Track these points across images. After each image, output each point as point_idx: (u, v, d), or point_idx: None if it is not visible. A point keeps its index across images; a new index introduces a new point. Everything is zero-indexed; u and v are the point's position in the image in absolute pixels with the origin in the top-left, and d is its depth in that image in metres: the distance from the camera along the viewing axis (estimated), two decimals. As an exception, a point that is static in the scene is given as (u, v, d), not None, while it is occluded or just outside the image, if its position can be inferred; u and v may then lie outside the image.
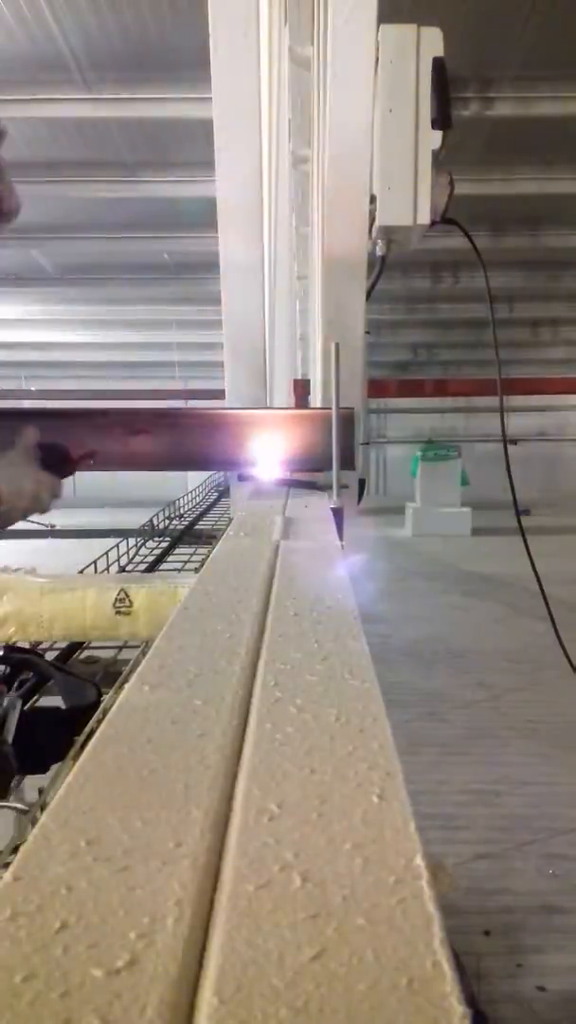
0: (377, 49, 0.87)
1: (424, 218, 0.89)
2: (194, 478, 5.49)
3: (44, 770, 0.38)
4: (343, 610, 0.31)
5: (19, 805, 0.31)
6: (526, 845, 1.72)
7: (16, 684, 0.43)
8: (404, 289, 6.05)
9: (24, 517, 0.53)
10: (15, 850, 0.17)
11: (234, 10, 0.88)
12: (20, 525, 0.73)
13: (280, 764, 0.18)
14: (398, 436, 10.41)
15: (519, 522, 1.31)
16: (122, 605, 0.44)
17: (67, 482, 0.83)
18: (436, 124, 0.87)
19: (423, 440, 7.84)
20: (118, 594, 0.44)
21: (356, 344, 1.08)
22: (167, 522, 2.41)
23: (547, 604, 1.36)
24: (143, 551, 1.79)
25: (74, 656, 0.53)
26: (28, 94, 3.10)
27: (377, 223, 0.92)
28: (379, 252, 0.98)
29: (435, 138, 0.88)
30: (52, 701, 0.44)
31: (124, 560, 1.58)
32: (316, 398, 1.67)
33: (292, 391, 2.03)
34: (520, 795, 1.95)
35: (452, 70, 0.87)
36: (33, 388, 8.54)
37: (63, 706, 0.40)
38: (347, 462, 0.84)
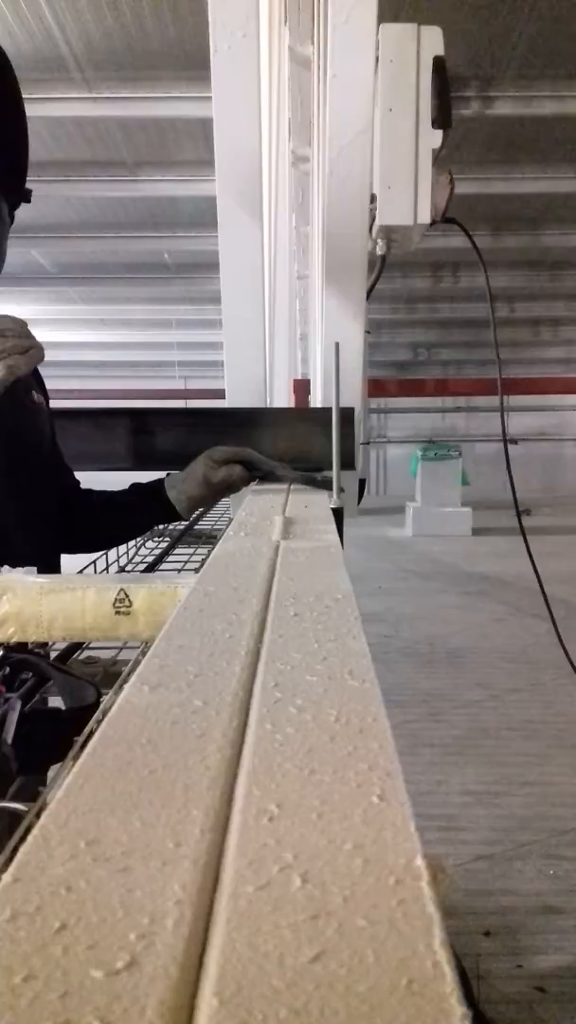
0: (377, 48, 0.87)
1: (424, 217, 0.89)
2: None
3: (43, 771, 0.38)
4: (343, 610, 0.31)
5: (18, 806, 0.31)
6: (526, 846, 1.72)
7: (15, 685, 0.43)
8: (404, 288, 6.06)
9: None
10: (14, 851, 0.17)
11: (234, 10, 0.88)
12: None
13: (280, 764, 0.18)
14: (398, 436, 10.42)
15: (520, 522, 1.31)
16: (122, 605, 0.43)
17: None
18: (436, 123, 0.87)
19: (423, 440, 7.84)
20: (118, 594, 0.44)
21: (356, 343, 1.08)
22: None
23: (548, 604, 1.36)
24: (143, 551, 1.80)
25: (73, 656, 0.53)
26: (27, 93, 3.07)
27: (377, 222, 0.92)
28: (379, 251, 0.98)
29: (435, 137, 0.88)
30: (52, 702, 0.44)
31: (124, 560, 1.58)
32: (316, 397, 1.67)
33: (292, 391, 2.03)
34: (520, 795, 1.95)
35: (452, 69, 0.87)
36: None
37: (63, 707, 0.40)
38: (347, 462, 0.84)
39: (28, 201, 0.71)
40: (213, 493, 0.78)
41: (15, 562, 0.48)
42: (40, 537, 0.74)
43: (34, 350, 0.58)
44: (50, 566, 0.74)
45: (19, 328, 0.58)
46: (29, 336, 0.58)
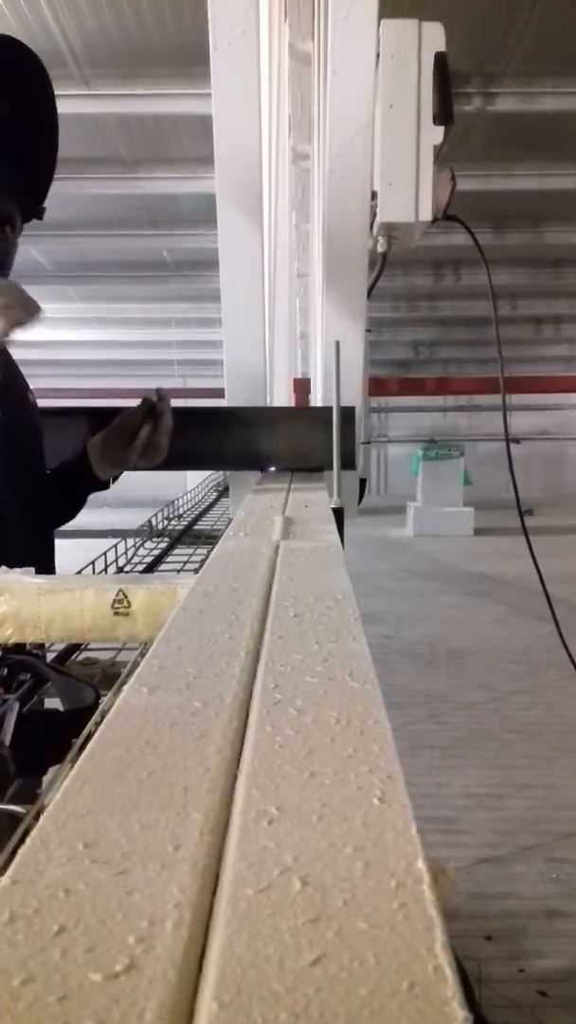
0: (378, 44, 0.87)
1: (426, 214, 0.89)
2: (193, 477, 5.49)
3: (42, 773, 0.38)
4: (343, 611, 0.31)
5: (17, 808, 0.31)
6: (528, 849, 1.72)
7: (14, 686, 0.43)
8: (405, 286, 6.04)
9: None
10: (13, 853, 0.17)
11: (234, 6, 0.87)
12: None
13: (280, 767, 0.18)
14: (399, 435, 10.40)
15: (522, 522, 1.30)
16: (120, 606, 0.43)
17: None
18: (438, 120, 0.87)
19: (425, 439, 7.83)
20: (116, 595, 0.44)
21: (357, 342, 1.08)
22: (166, 522, 2.41)
23: (550, 604, 1.36)
24: (141, 551, 1.80)
25: (72, 657, 0.53)
26: (28, 91, 3.07)
27: (378, 219, 0.91)
28: (380, 249, 0.98)
29: (437, 134, 0.87)
30: (51, 703, 0.44)
31: (122, 561, 1.58)
32: (317, 396, 1.67)
33: (292, 390, 2.03)
34: (522, 798, 1.95)
35: (454, 65, 0.86)
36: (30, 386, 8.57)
37: (61, 708, 0.40)
38: (348, 461, 0.84)
39: (40, 218, 0.72)
40: (114, 427, 0.78)
41: (17, 560, 0.48)
42: (40, 535, 0.74)
43: (32, 304, 0.60)
44: (47, 564, 0.75)
45: (16, 286, 0.61)
46: (26, 293, 0.61)
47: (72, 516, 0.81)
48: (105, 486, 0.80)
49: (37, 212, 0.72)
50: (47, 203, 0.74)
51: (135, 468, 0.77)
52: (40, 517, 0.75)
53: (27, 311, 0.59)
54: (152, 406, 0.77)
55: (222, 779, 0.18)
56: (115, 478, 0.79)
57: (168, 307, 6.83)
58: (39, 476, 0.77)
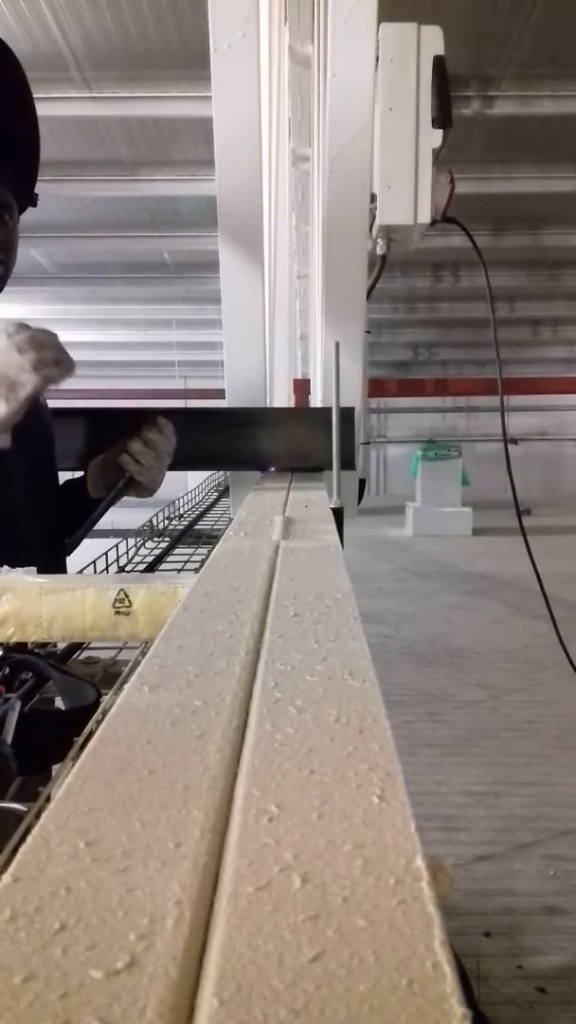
0: (377, 48, 0.87)
1: (424, 217, 0.89)
2: (194, 478, 5.49)
3: (43, 771, 0.38)
4: (343, 610, 0.31)
5: (18, 806, 0.31)
6: (526, 846, 1.72)
7: (15, 685, 0.43)
8: (404, 288, 6.05)
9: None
10: (14, 851, 0.17)
11: (234, 9, 0.88)
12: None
13: (280, 765, 0.18)
14: (398, 435, 10.41)
15: (520, 522, 1.31)
16: (121, 605, 0.43)
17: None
18: (436, 123, 0.87)
19: (423, 439, 7.84)
20: (117, 594, 0.44)
21: (356, 343, 1.08)
22: (166, 522, 2.41)
23: (548, 604, 1.36)
24: (142, 551, 1.80)
25: (73, 656, 0.53)
26: (28, 93, 3.08)
27: (377, 222, 0.92)
28: (379, 251, 0.98)
29: (435, 137, 0.88)
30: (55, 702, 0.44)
31: (124, 560, 1.59)
32: (316, 397, 1.67)
33: (292, 390, 2.03)
34: (520, 796, 1.95)
35: (452, 68, 0.87)
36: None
37: (63, 707, 0.40)
38: (347, 462, 0.84)
39: (35, 205, 0.73)
40: (117, 448, 0.77)
41: (32, 565, 0.47)
42: (56, 549, 0.74)
43: (67, 361, 0.59)
44: (59, 570, 0.74)
45: (53, 341, 0.60)
46: (62, 349, 0.60)
47: (71, 532, 0.80)
48: (97, 504, 0.78)
49: (31, 199, 0.72)
50: (50, 206, 0.74)
51: (127, 493, 0.76)
52: (54, 523, 0.75)
53: (60, 368, 0.59)
54: (142, 431, 0.75)
55: (222, 777, 0.18)
56: (111, 502, 0.76)
57: (169, 308, 6.84)
58: (53, 481, 0.76)
